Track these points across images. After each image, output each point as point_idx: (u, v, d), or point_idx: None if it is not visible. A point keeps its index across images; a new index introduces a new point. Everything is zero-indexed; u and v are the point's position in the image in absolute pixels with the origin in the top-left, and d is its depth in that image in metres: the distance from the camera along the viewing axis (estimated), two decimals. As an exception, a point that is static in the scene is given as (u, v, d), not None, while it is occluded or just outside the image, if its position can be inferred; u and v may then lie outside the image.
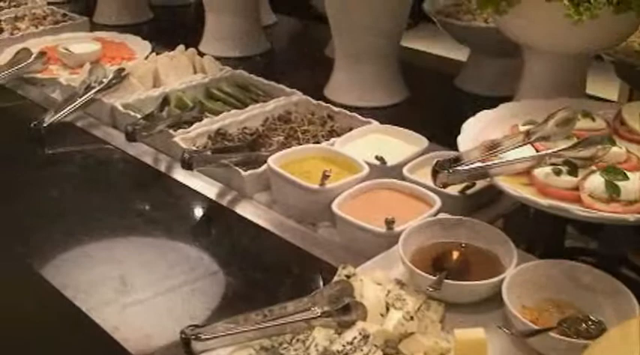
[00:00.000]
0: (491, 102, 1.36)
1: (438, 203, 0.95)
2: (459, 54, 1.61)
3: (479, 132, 0.98)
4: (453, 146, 1.10)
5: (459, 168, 0.83)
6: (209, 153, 1.08)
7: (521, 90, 1.15)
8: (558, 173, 0.86)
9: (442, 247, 0.87)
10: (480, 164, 0.85)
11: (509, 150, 0.89)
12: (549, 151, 0.88)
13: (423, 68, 1.60)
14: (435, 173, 0.83)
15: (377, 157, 1.06)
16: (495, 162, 0.86)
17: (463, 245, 0.88)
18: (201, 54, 1.52)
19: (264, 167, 1.06)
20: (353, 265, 0.84)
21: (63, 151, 1.23)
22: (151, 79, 1.41)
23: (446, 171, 0.82)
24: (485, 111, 1.04)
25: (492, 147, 0.88)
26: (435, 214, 0.93)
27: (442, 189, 0.91)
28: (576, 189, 0.86)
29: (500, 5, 0.99)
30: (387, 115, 1.30)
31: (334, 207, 0.95)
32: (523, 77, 1.15)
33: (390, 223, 0.89)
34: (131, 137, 1.14)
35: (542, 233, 1.04)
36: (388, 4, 1.33)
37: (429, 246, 0.87)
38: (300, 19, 2.10)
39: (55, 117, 1.25)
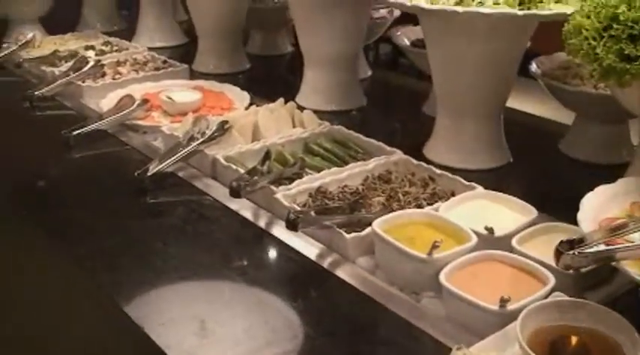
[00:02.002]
0: (598, 170, 1.33)
1: (552, 281, 0.90)
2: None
3: (598, 209, 0.94)
4: (559, 216, 1.07)
5: (584, 250, 0.79)
6: (313, 213, 1.07)
7: (636, 164, 1.11)
8: (687, 259, 0.81)
9: (560, 331, 0.83)
10: (605, 247, 0.81)
11: (634, 232, 0.84)
12: (679, 236, 0.83)
13: (524, 130, 1.56)
14: (558, 254, 0.80)
15: (486, 227, 1.02)
16: (622, 245, 0.81)
17: (582, 330, 0.83)
18: (300, 108, 1.52)
19: (367, 230, 1.04)
20: (460, 341, 0.80)
21: (166, 202, 1.23)
22: (251, 131, 1.42)
23: (571, 254, 0.78)
24: (604, 185, 0.99)
25: (616, 229, 0.83)
26: (549, 293, 0.89)
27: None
28: None
29: (623, 78, 0.96)
30: (489, 179, 1.27)
31: (442, 279, 0.91)
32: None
33: (504, 301, 0.85)
34: (235, 193, 1.14)
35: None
36: (495, 63, 1.30)
37: (546, 328, 0.83)
38: (395, 72, 2.11)
39: (159, 167, 1.26)
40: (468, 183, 1.19)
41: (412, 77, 2.09)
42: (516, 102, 1.52)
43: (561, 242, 0.81)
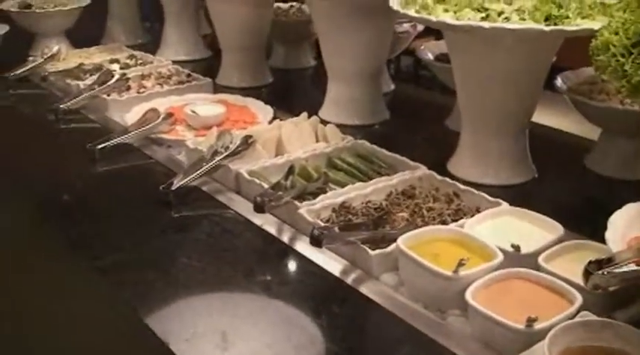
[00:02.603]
0: (625, 187, 1.32)
1: (579, 300, 0.89)
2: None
3: (626, 227, 0.93)
4: (586, 233, 1.06)
5: (613, 270, 0.78)
6: (337, 229, 1.06)
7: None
8: None
9: (587, 351, 0.82)
10: (634, 267, 0.80)
11: (664, 252, 0.83)
12: None
13: (549, 145, 1.54)
14: (587, 274, 0.79)
15: (512, 245, 1.01)
16: (651, 265, 0.80)
17: (610, 350, 0.82)
18: (323, 122, 1.52)
19: (391, 247, 1.04)
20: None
21: (190, 216, 1.23)
22: (274, 146, 1.42)
23: (600, 273, 0.77)
24: (632, 203, 0.98)
25: (646, 248, 0.82)
26: (577, 312, 0.88)
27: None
28: None
29: (653, 94, 0.95)
30: (514, 195, 1.26)
31: (468, 297, 0.91)
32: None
33: (531, 321, 0.84)
34: (259, 208, 1.14)
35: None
36: (521, 78, 1.29)
37: (574, 349, 0.82)
38: (418, 86, 2.11)
39: (183, 182, 1.26)
40: (493, 199, 1.18)
41: (434, 90, 2.09)
42: (541, 116, 1.51)
43: (590, 262, 0.80)
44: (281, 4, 2.19)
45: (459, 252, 1.02)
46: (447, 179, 1.26)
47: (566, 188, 1.37)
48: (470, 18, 1.19)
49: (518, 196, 1.27)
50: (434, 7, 1.25)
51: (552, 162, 1.45)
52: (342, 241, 1.06)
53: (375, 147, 1.40)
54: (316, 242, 1.02)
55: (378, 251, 1.04)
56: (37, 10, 2.31)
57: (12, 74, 2.00)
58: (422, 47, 1.71)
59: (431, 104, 1.96)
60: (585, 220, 1.15)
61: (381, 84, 1.75)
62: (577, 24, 1.17)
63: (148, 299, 1.01)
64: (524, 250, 1.02)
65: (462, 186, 1.23)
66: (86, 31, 2.40)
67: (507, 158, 1.35)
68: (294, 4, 2.21)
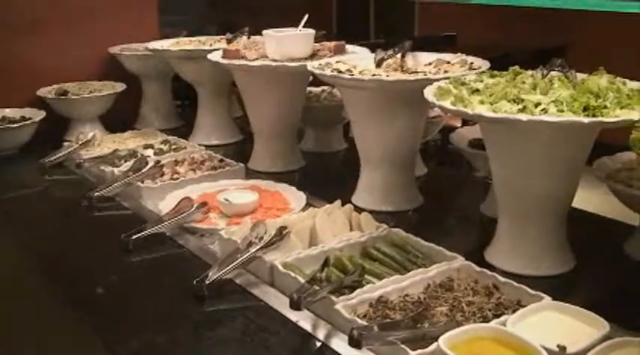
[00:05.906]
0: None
1: (632, 406, 0.86)
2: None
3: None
4: (632, 326, 1.04)
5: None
6: (376, 329, 1.03)
7: None
8: None
9: None
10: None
11: None
12: None
13: (586, 230, 1.50)
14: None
15: (558, 345, 0.98)
16: None
17: None
18: (357, 209, 1.51)
19: (432, 346, 1.01)
20: None
21: (223, 310, 1.21)
22: (308, 235, 1.40)
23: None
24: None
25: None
26: None
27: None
28: None
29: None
30: (555, 286, 1.24)
31: (515, 403, 0.87)
32: None
33: None
34: (296, 306, 1.12)
35: None
36: (559, 167, 1.27)
37: None
38: (446, 163, 2.10)
39: (218, 275, 1.25)
40: (534, 292, 1.15)
41: (464, 168, 2.06)
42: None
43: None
44: (312, 88, 2.20)
45: (503, 351, 0.99)
46: (486, 270, 1.24)
47: (607, 277, 1.34)
48: (507, 110, 1.18)
49: (559, 287, 1.24)
50: (469, 99, 1.24)
51: (590, 249, 1.41)
52: (381, 341, 1.03)
53: (410, 235, 1.38)
54: (356, 343, 0.99)
55: (418, 351, 1.01)
56: (73, 97, 2.34)
57: (47, 160, 2.02)
58: (454, 133, 1.71)
59: (464, 187, 1.94)
60: (629, 312, 1.12)
61: (414, 169, 1.73)
62: (616, 115, 1.15)
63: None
64: (569, 349, 0.98)
65: (501, 279, 1.20)
66: (120, 115, 2.43)
67: (547, 247, 1.32)
68: (325, 87, 2.22)
